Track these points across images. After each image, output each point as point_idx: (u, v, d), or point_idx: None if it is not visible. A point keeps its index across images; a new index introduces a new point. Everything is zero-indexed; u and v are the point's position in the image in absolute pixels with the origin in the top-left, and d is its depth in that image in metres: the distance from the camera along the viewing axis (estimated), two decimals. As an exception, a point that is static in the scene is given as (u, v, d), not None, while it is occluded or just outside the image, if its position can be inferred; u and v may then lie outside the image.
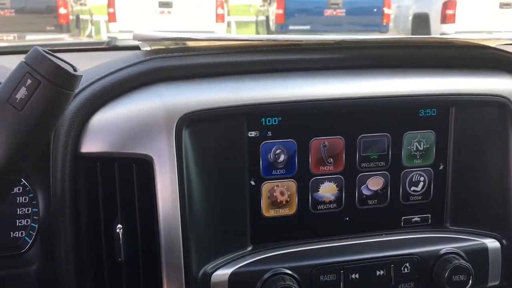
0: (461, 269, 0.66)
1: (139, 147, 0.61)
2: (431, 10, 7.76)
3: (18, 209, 0.68)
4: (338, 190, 0.69)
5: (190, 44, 0.73)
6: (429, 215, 0.72)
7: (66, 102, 0.50)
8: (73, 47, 1.32)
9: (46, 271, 0.66)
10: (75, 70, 0.51)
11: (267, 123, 0.65)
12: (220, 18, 8.31)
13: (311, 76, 0.68)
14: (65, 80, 0.49)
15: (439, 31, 7.34)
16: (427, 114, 0.69)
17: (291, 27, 8.25)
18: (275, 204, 0.67)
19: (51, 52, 0.49)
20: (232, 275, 0.63)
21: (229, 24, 10.11)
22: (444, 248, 0.68)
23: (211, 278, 0.62)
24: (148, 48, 0.74)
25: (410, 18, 8.37)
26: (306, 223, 0.69)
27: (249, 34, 0.83)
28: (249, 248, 0.67)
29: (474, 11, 7.25)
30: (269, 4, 9.24)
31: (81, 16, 8.69)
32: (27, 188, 0.68)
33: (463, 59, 0.74)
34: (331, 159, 0.68)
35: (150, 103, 0.63)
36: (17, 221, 0.68)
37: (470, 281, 0.66)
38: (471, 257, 0.68)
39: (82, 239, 0.62)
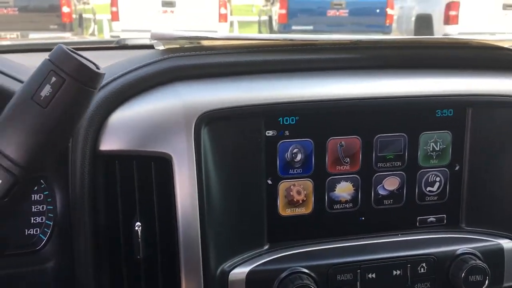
0: (478, 270, 0.66)
1: (157, 145, 0.61)
2: (434, 11, 7.75)
3: (33, 207, 0.68)
4: (354, 190, 0.69)
5: (205, 43, 0.73)
6: (445, 215, 0.72)
7: (89, 100, 0.51)
8: (83, 46, 1.33)
9: (63, 268, 0.66)
10: (97, 68, 0.51)
11: (285, 123, 0.65)
12: (223, 18, 8.31)
13: (328, 76, 0.68)
14: (89, 78, 0.49)
15: (442, 32, 7.34)
16: (443, 114, 0.69)
17: (294, 27, 8.25)
18: (291, 203, 0.68)
19: (74, 50, 0.49)
20: (250, 273, 0.63)
21: (231, 24, 10.10)
22: (460, 248, 0.69)
23: (229, 276, 0.63)
24: (162, 47, 0.74)
25: (413, 19, 8.36)
26: (322, 223, 0.69)
27: (260, 34, 0.83)
28: (266, 247, 0.67)
29: (477, 13, 7.24)
30: (272, 4, 9.24)
31: (84, 15, 8.70)
32: (42, 186, 0.68)
33: (479, 60, 0.74)
34: (348, 159, 0.68)
35: (168, 102, 0.63)
36: (32, 218, 0.68)
37: (487, 282, 0.67)
38: (487, 257, 0.69)
39: (100, 237, 0.62)
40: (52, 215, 0.68)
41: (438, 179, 0.71)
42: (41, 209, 0.69)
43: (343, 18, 8.28)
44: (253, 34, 0.78)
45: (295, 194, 0.68)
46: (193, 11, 8.02)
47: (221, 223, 0.63)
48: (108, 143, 0.62)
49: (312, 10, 8.29)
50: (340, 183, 0.68)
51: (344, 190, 0.69)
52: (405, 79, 0.69)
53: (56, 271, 0.66)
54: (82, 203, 0.61)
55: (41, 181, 0.68)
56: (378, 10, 8.31)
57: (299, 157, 0.67)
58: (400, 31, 8.83)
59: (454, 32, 7.15)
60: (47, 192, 0.68)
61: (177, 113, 0.61)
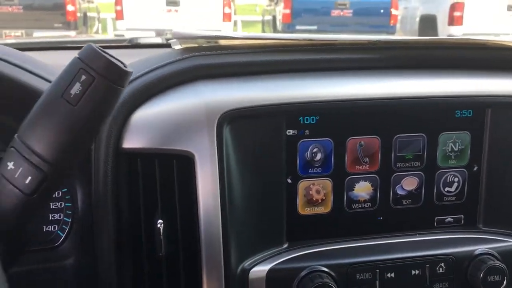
0: (496, 270, 0.67)
1: (180, 143, 0.62)
2: (438, 11, 7.74)
3: (51, 203, 0.69)
4: (373, 190, 0.69)
5: (222, 42, 0.74)
6: (462, 215, 0.73)
7: (117, 98, 0.51)
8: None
9: (83, 266, 0.66)
10: (125, 66, 0.51)
11: (305, 122, 0.66)
12: (227, 17, 8.32)
13: (348, 75, 0.69)
14: (118, 76, 0.49)
15: (447, 33, 7.33)
16: (463, 115, 0.70)
17: (298, 27, 8.24)
18: (310, 202, 0.68)
19: (103, 49, 0.50)
20: (270, 271, 0.63)
21: (235, 23, 10.11)
22: (478, 248, 0.69)
23: (249, 274, 0.63)
24: (179, 46, 0.75)
25: (417, 19, 8.35)
26: (340, 222, 0.69)
27: (278, 34, 0.83)
28: (285, 246, 0.67)
29: (482, 13, 7.23)
30: (276, 4, 9.24)
31: (88, 14, 8.71)
32: None
33: (497, 60, 0.74)
34: (367, 159, 0.68)
35: (191, 100, 0.63)
36: (50, 215, 0.69)
37: (505, 282, 0.67)
38: (505, 257, 0.69)
39: (123, 234, 0.63)
40: (70, 212, 0.68)
41: (456, 179, 0.71)
42: (59, 206, 0.69)
43: (347, 18, 8.27)
44: (271, 34, 0.78)
45: (314, 193, 0.68)
46: (197, 10, 8.03)
47: (242, 221, 0.64)
48: (131, 141, 0.62)
49: (316, 10, 8.29)
50: (359, 182, 0.69)
51: (362, 189, 0.69)
52: (424, 80, 0.70)
53: (75, 268, 0.67)
54: (105, 201, 0.61)
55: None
56: (382, 11, 8.30)
57: (318, 156, 0.67)
58: (403, 32, 8.82)
59: (458, 33, 7.14)
60: (65, 189, 0.68)
61: (200, 112, 0.62)
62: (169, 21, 7.80)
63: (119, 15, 8.05)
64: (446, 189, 0.72)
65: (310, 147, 0.67)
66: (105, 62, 0.48)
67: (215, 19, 8.14)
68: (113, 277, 0.63)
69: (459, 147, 0.71)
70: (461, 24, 7.32)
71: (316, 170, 0.67)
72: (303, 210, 0.68)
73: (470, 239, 0.70)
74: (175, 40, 0.74)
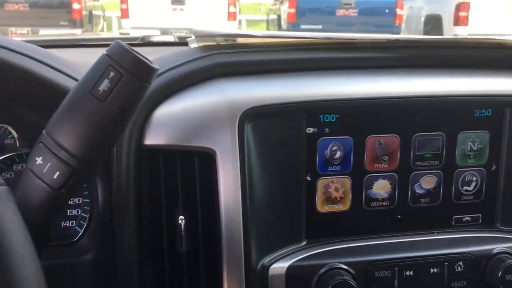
0: None
1: (202, 140, 0.62)
2: (444, 11, 7.71)
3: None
4: (391, 188, 0.70)
5: (240, 40, 0.74)
6: (480, 214, 0.73)
7: (143, 95, 0.51)
8: (107, 43, 1.33)
9: (101, 261, 0.67)
10: (151, 63, 0.52)
11: (325, 120, 0.66)
12: (232, 16, 8.33)
13: (367, 74, 0.69)
14: (145, 72, 0.50)
15: (452, 33, 7.31)
16: (482, 114, 0.70)
17: (302, 26, 8.24)
18: (329, 200, 0.68)
19: (130, 46, 0.50)
20: (289, 268, 0.64)
21: (239, 22, 10.11)
22: (497, 247, 0.69)
23: (269, 271, 0.63)
24: (196, 44, 0.75)
25: (422, 19, 8.33)
26: (359, 220, 0.69)
27: (297, 32, 0.84)
28: (304, 243, 0.68)
29: (487, 13, 7.20)
30: (281, 3, 9.24)
31: (93, 12, 8.73)
32: None
33: None
34: (386, 157, 0.69)
35: (212, 98, 0.64)
36: (68, 210, 0.70)
37: (523, 281, 0.67)
38: None
39: (144, 230, 0.63)
40: (88, 208, 0.69)
41: (474, 178, 0.72)
42: (77, 202, 0.69)
43: (352, 18, 8.26)
44: (290, 32, 0.78)
45: (333, 191, 0.68)
46: (203, 9, 8.04)
47: (262, 218, 0.64)
48: (153, 138, 0.63)
49: (321, 10, 8.28)
50: (377, 180, 0.69)
51: (381, 188, 0.69)
52: (444, 79, 0.70)
53: (94, 263, 0.67)
54: (127, 197, 0.62)
55: None
56: (387, 10, 8.29)
57: (338, 154, 0.67)
58: (408, 31, 8.80)
59: (464, 33, 7.12)
60: (84, 185, 0.69)
61: (221, 109, 0.62)
62: (174, 20, 7.81)
63: (125, 14, 8.07)
64: (464, 188, 0.72)
65: (330, 145, 0.67)
66: (133, 59, 0.49)
67: (220, 18, 8.15)
68: (133, 274, 0.63)
69: (478, 146, 0.71)
70: (466, 24, 7.30)
71: (335, 168, 0.67)
72: (322, 207, 0.68)
73: (488, 238, 0.71)
74: (193, 38, 0.75)
